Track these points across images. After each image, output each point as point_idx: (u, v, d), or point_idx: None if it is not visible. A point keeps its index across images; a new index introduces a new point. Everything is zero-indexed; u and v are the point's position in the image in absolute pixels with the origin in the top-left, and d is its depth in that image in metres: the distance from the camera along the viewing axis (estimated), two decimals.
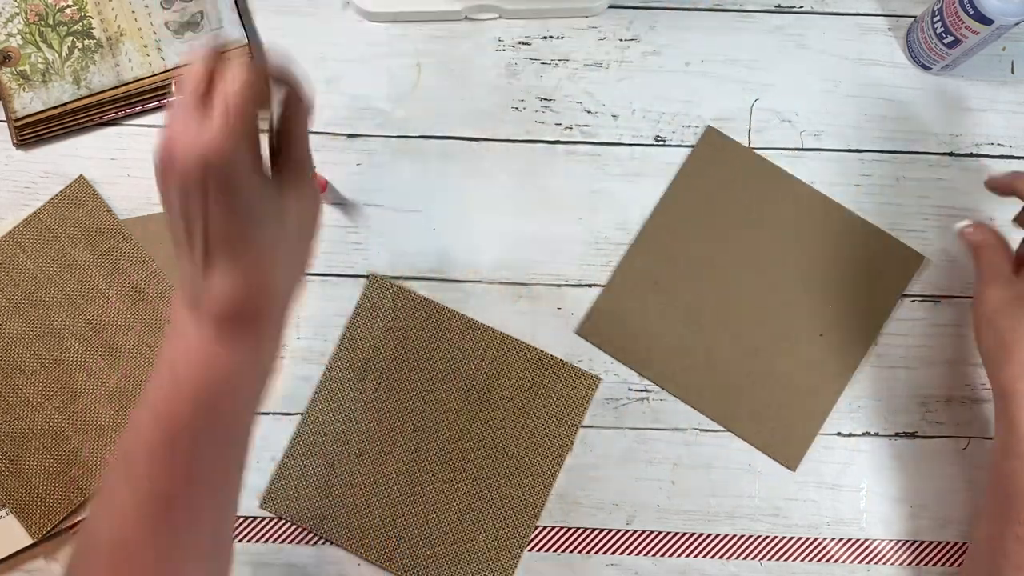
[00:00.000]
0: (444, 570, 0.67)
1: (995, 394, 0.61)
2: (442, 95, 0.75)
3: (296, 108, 0.46)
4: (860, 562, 0.68)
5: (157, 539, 0.44)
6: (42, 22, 0.72)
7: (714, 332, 0.71)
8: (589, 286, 0.72)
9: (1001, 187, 0.63)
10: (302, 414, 0.69)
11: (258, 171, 0.44)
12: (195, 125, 0.40)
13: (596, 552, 0.68)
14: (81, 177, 0.71)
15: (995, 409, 0.62)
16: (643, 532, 0.69)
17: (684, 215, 0.73)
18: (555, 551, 0.68)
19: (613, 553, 0.68)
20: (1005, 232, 0.64)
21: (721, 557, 0.68)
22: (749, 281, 0.72)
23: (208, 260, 0.43)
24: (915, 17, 0.77)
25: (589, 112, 0.75)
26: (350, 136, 0.74)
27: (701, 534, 0.69)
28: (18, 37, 0.72)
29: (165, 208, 0.43)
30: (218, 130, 0.40)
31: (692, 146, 0.74)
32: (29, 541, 0.65)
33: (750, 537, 0.69)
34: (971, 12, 0.68)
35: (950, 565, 0.69)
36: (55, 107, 0.71)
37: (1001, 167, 0.75)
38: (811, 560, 0.68)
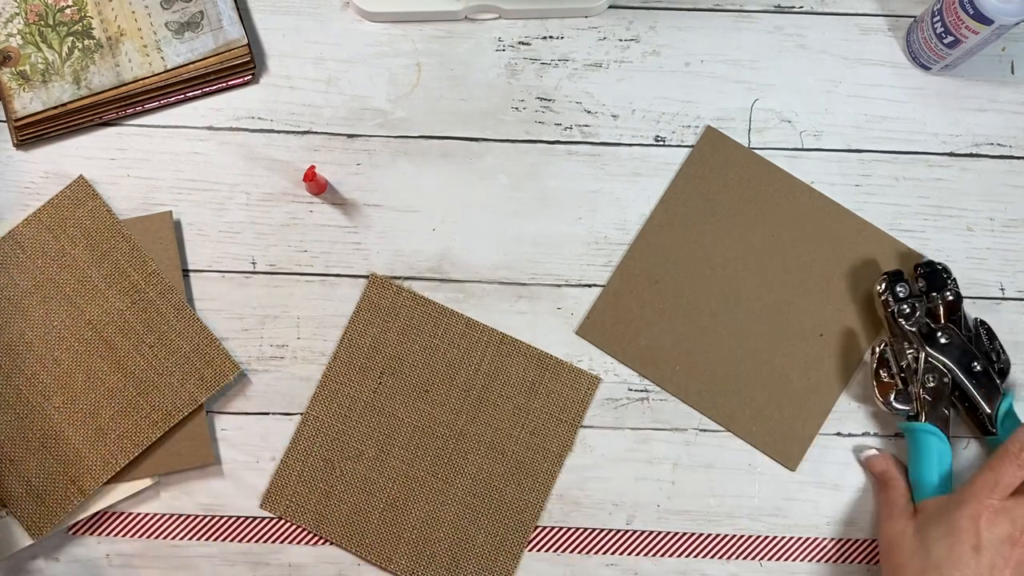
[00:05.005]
0: (444, 570, 0.67)
1: None
2: (442, 95, 0.75)
3: None
4: (860, 562, 0.68)
5: None
6: (42, 22, 0.72)
7: (714, 332, 0.71)
8: (589, 286, 0.72)
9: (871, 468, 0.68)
10: (302, 414, 0.69)
11: None
12: None
13: (596, 552, 0.68)
14: (81, 177, 0.71)
15: None
16: (643, 532, 0.69)
17: (684, 215, 0.73)
18: (555, 551, 0.68)
19: (613, 553, 0.68)
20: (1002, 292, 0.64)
21: (721, 557, 0.68)
22: (749, 281, 0.72)
23: None
24: (915, 17, 0.77)
25: (589, 112, 0.75)
26: (350, 136, 0.74)
27: (701, 534, 0.69)
28: (18, 37, 0.72)
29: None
30: None
31: (692, 146, 0.74)
32: (29, 541, 0.65)
33: (750, 537, 0.69)
34: (971, 12, 0.68)
35: None
36: (55, 107, 0.71)
37: (1001, 167, 0.75)
38: (811, 560, 0.68)
